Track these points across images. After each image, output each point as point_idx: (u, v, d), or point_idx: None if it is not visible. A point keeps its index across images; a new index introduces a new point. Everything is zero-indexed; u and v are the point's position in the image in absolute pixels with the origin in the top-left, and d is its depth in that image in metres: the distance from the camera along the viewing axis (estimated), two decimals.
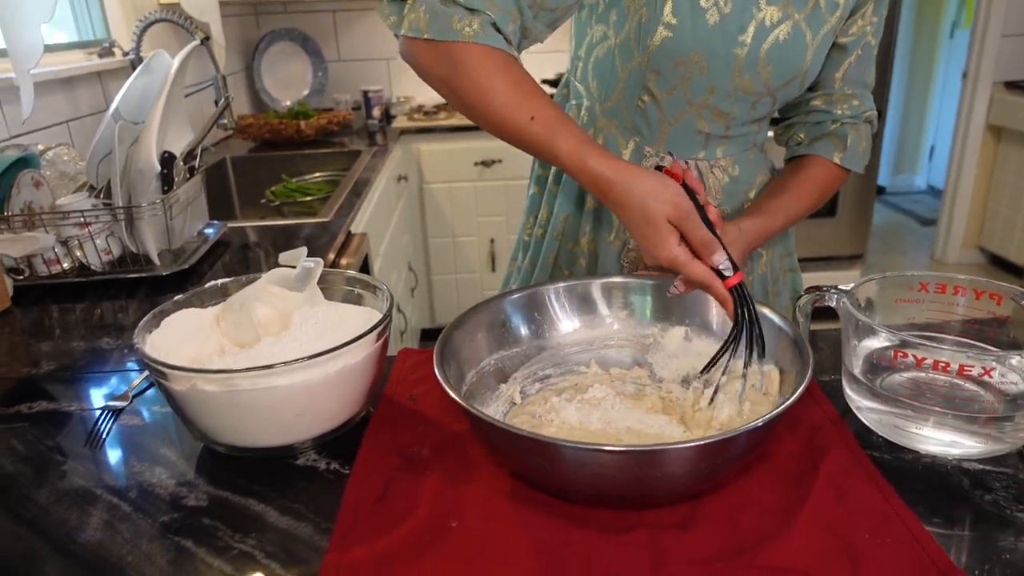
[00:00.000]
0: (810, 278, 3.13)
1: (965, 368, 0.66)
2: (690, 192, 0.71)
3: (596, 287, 0.84)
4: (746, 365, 0.70)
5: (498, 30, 0.77)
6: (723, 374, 0.71)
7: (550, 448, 0.55)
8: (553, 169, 1.07)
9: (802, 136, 1.02)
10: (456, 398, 0.60)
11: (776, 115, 1.03)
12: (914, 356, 0.67)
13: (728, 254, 0.70)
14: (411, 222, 2.91)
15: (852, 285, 0.77)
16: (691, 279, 0.71)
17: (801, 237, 3.12)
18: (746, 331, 0.70)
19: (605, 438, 0.68)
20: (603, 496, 0.60)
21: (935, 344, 0.66)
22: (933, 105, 4.98)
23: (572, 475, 0.57)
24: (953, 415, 0.67)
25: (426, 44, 0.77)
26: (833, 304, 0.77)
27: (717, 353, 0.72)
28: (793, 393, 0.58)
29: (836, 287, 0.78)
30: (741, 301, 0.71)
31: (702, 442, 0.53)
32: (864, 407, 0.75)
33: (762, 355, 0.70)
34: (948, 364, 0.65)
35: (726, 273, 0.70)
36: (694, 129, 0.94)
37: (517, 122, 0.75)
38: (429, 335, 3.03)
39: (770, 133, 1.08)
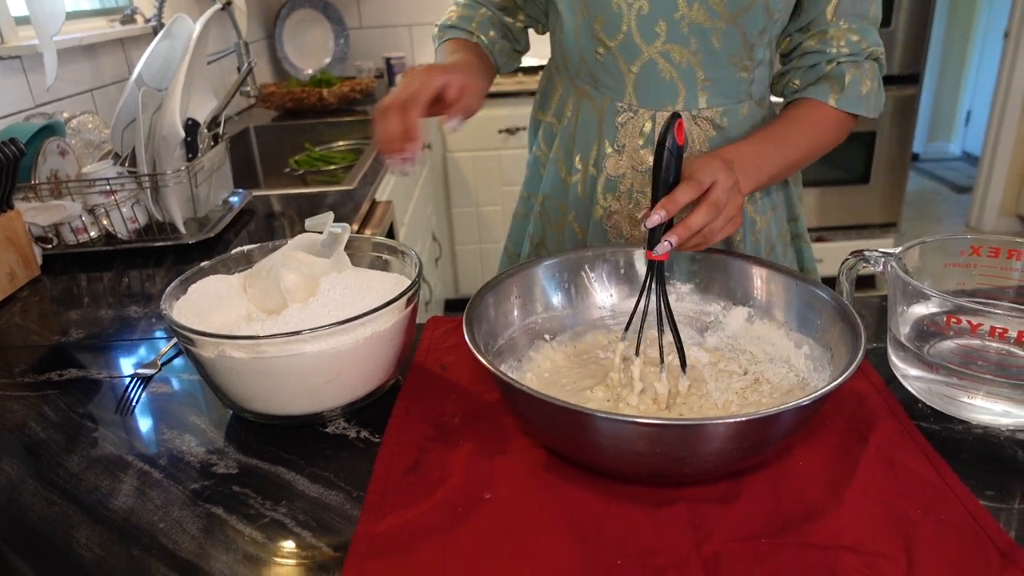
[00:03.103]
0: (842, 247, 3.08)
1: None
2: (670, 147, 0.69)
3: (639, 256, 0.80)
4: (660, 334, 0.70)
5: (459, 28, 0.98)
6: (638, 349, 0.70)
7: (583, 419, 0.53)
8: (540, 145, 1.07)
9: (797, 83, 0.93)
10: (485, 362, 0.58)
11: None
12: (969, 322, 0.64)
13: (671, 240, 0.69)
14: (435, 192, 2.88)
15: (900, 249, 0.73)
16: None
17: (832, 204, 3.10)
18: (656, 303, 0.70)
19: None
20: (639, 472, 0.57)
21: (994, 309, 0.62)
22: (971, 69, 4.81)
23: (605, 448, 0.55)
24: (1008, 384, 0.64)
25: None
26: (880, 269, 0.74)
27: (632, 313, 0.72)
28: (845, 370, 0.55)
29: (878, 249, 0.75)
30: (649, 276, 0.71)
31: (746, 418, 0.50)
32: (911, 375, 0.72)
33: (673, 330, 0.69)
34: (1006, 330, 0.62)
35: (652, 244, 0.69)
36: (657, 74, 0.89)
37: None
38: (453, 306, 3.02)
39: None
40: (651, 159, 0.92)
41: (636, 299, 0.71)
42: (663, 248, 0.68)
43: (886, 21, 2.78)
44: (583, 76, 0.95)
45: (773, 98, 1.00)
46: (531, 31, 1.06)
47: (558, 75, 1.01)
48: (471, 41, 0.97)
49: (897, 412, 0.68)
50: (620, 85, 0.91)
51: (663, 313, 0.69)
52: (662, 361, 0.68)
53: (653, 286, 0.69)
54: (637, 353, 0.68)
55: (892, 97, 2.86)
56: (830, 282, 0.75)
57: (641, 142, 0.93)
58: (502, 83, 2.74)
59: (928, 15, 2.79)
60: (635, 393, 0.66)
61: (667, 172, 0.68)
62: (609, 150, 0.94)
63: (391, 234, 1.71)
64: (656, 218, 0.68)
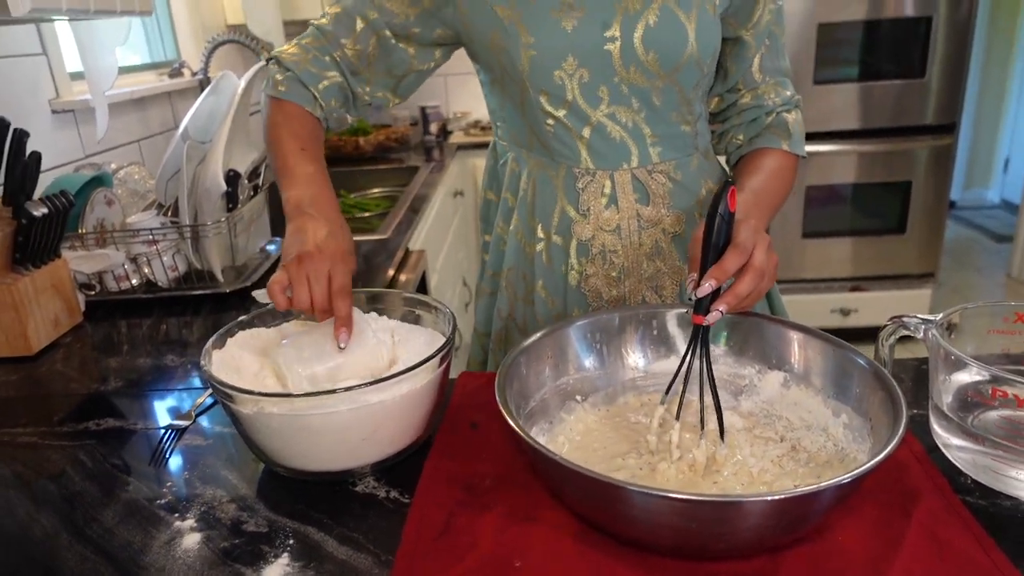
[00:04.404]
0: (878, 297, 3.03)
1: None
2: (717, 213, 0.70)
3: (675, 317, 0.80)
4: (701, 399, 0.70)
5: (305, 86, 0.92)
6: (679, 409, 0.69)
7: (616, 491, 0.52)
8: (498, 224, 1.07)
9: (740, 138, 0.99)
10: (518, 429, 0.58)
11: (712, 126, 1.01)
12: (1016, 396, 0.62)
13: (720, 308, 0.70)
14: (466, 237, 2.91)
15: (940, 316, 0.72)
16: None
17: (868, 254, 3.06)
18: (699, 368, 0.70)
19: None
20: (673, 545, 0.56)
21: None
22: (1008, 115, 4.75)
23: (639, 521, 0.54)
24: None
25: (264, 97, 0.96)
26: (920, 336, 0.72)
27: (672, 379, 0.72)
28: (886, 442, 0.54)
29: (917, 316, 0.73)
30: (695, 340, 0.70)
31: (784, 496, 0.49)
32: (953, 445, 0.70)
33: (715, 397, 0.69)
34: None
35: (700, 310, 0.70)
36: (608, 136, 0.92)
37: (275, 164, 0.90)
38: None
39: None
40: (617, 219, 0.94)
41: (679, 363, 0.70)
42: (714, 317, 0.69)
43: (920, 72, 2.77)
44: (536, 148, 0.97)
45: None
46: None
47: (508, 152, 1.03)
48: (313, 114, 0.93)
49: (940, 485, 0.66)
50: (574, 152, 0.93)
51: (706, 379, 0.68)
52: (702, 428, 0.67)
53: (698, 351, 0.69)
54: (677, 418, 0.67)
55: (928, 146, 2.83)
56: (863, 333, 0.74)
57: (604, 202, 0.94)
58: None
59: (963, 64, 2.77)
60: (673, 460, 0.65)
61: (718, 238, 0.70)
62: (574, 215, 0.95)
63: (423, 281, 1.73)
64: (707, 287, 0.69)
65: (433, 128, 3.01)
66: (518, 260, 1.03)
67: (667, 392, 0.70)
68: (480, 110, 3.27)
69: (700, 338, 0.69)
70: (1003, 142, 4.84)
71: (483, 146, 2.87)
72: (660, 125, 0.92)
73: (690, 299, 0.70)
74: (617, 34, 0.86)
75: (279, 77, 0.93)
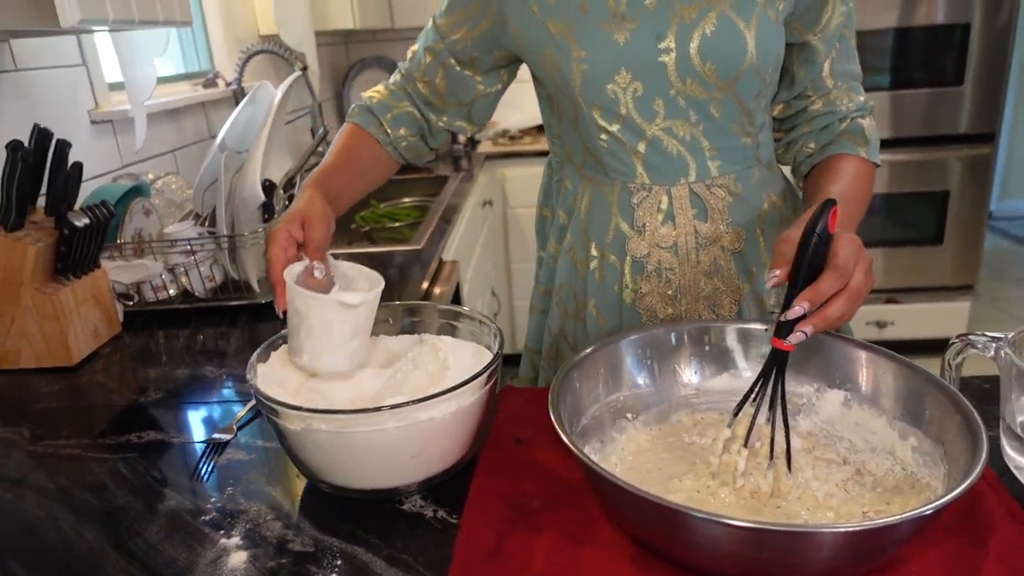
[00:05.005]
0: (914, 309, 2.96)
1: None
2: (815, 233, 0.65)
3: (732, 333, 0.77)
4: (772, 425, 0.66)
5: (374, 114, 1.00)
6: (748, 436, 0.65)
7: (686, 519, 0.50)
8: (551, 242, 1.06)
9: (812, 146, 0.95)
10: (576, 450, 0.56)
11: (776, 133, 0.98)
12: None
13: (804, 329, 0.64)
14: (494, 247, 2.90)
15: (1012, 333, 0.69)
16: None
17: (903, 265, 3.00)
18: (771, 391, 0.66)
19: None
20: (737, 574, 0.54)
21: None
22: None
23: (704, 548, 0.52)
24: None
25: None
26: (989, 354, 0.69)
27: (741, 401, 0.68)
28: (965, 471, 0.51)
29: (986, 333, 0.70)
30: (771, 365, 0.66)
31: (858, 528, 0.46)
32: None
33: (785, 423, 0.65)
34: None
35: (783, 333, 0.65)
36: (665, 150, 0.89)
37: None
38: (509, 361, 3.00)
39: None
40: (674, 235, 0.92)
41: (751, 386, 0.66)
42: (797, 338, 0.64)
43: (957, 80, 2.72)
44: (590, 165, 0.95)
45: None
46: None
47: (563, 169, 1.01)
48: (373, 135, 1.00)
49: (1014, 511, 0.63)
50: (629, 167, 0.91)
51: (779, 405, 0.65)
52: (771, 457, 0.64)
53: (773, 376, 0.65)
54: (746, 444, 0.64)
55: (965, 156, 2.77)
56: (900, 347, 0.70)
57: (660, 219, 0.92)
58: None
59: (1003, 72, 2.71)
60: (736, 487, 0.62)
61: (813, 258, 0.65)
62: (629, 231, 0.93)
63: (457, 293, 1.71)
64: (798, 309, 0.64)
65: (461, 137, 3.00)
66: (570, 278, 1.01)
67: (735, 415, 0.67)
68: (508, 119, 3.26)
69: (778, 364, 0.65)
70: None
71: (511, 156, 2.86)
72: (719, 137, 0.89)
73: (771, 312, 0.66)
74: (672, 45, 0.84)
75: (353, 107, 1.02)
